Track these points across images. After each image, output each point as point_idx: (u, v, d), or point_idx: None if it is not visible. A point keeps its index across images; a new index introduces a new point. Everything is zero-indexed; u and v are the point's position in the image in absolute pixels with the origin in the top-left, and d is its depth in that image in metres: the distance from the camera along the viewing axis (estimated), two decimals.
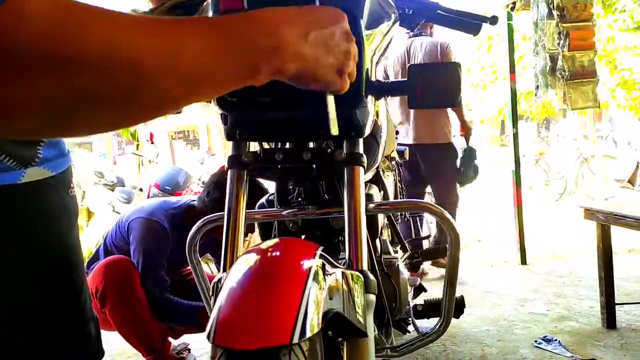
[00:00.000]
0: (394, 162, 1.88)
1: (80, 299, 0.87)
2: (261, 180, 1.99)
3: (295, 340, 0.49)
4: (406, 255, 1.73)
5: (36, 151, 0.77)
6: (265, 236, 1.12)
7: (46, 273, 0.81)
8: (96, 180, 5.55)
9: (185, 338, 2.19)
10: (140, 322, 1.81)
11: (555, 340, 2.05)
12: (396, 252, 1.62)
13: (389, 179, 1.60)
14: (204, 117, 13.10)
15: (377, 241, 1.28)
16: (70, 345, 0.85)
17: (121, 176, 5.34)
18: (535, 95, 3.08)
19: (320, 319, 0.54)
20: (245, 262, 0.61)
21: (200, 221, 0.99)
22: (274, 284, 0.55)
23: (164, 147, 8.71)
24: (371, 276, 0.72)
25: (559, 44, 2.69)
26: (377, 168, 1.41)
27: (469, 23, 1.02)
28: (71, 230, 0.86)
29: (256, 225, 1.23)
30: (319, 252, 0.65)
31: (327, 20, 0.56)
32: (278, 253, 0.64)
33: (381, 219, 1.35)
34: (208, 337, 0.51)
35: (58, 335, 0.84)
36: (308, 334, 0.50)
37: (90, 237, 5.40)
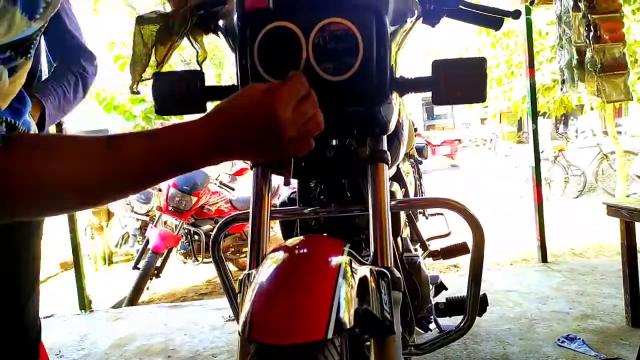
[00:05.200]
0: (412, 159, 1.87)
1: (25, 307, 0.89)
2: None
3: (330, 336, 0.49)
4: (426, 253, 1.72)
5: None
6: (287, 234, 1.13)
7: None
8: None
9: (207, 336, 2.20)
10: None
11: (579, 339, 2.02)
12: (416, 249, 1.62)
13: (408, 176, 1.60)
14: None
15: (399, 239, 1.28)
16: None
17: None
18: (561, 90, 3.01)
19: (352, 315, 0.54)
20: (274, 260, 0.61)
21: (224, 219, 1.00)
22: (305, 281, 0.55)
23: None
24: (397, 273, 0.71)
25: (587, 36, 2.62)
26: (397, 165, 1.40)
27: (491, 18, 1.00)
28: (31, 236, 0.89)
29: (277, 223, 1.23)
30: (346, 249, 0.65)
31: (254, 129, 0.59)
32: (307, 250, 0.65)
33: (402, 217, 1.34)
34: (242, 333, 0.52)
35: None
36: (341, 330, 0.51)
37: (111, 235, 5.49)
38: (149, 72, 0.93)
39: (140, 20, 0.91)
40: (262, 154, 0.63)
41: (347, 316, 0.53)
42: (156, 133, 0.60)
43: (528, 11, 3.10)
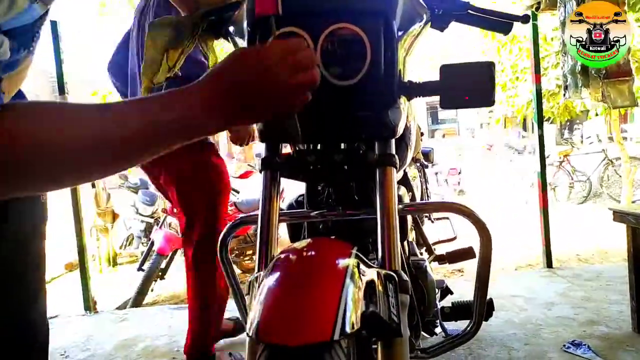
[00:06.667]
0: (418, 164, 1.87)
1: (31, 308, 0.87)
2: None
3: (336, 337, 0.49)
4: (432, 257, 1.72)
5: None
6: (294, 237, 1.13)
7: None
8: (120, 183, 5.67)
9: None
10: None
11: (585, 344, 2.01)
12: (422, 253, 1.62)
13: (415, 181, 1.60)
14: None
15: (405, 243, 1.28)
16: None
17: (144, 179, 5.43)
18: (564, 96, 3.02)
19: (359, 317, 0.54)
20: (282, 262, 0.62)
21: (232, 222, 1.00)
22: (313, 283, 0.55)
23: None
24: (405, 276, 0.72)
25: None
26: (404, 169, 1.41)
27: (500, 22, 1.01)
28: (34, 236, 0.87)
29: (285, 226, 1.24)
30: (354, 252, 0.66)
31: (242, 83, 0.61)
32: (314, 253, 0.65)
33: (409, 221, 1.34)
34: (249, 334, 0.53)
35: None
36: (348, 332, 0.51)
37: (116, 237, 5.52)
38: (160, 77, 0.94)
39: (152, 26, 0.92)
40: (260, 109, 0.63)
41: (354, 318, 0.53)
42: (152, 97, 0.60)
43: (534, 17, 3.11)
